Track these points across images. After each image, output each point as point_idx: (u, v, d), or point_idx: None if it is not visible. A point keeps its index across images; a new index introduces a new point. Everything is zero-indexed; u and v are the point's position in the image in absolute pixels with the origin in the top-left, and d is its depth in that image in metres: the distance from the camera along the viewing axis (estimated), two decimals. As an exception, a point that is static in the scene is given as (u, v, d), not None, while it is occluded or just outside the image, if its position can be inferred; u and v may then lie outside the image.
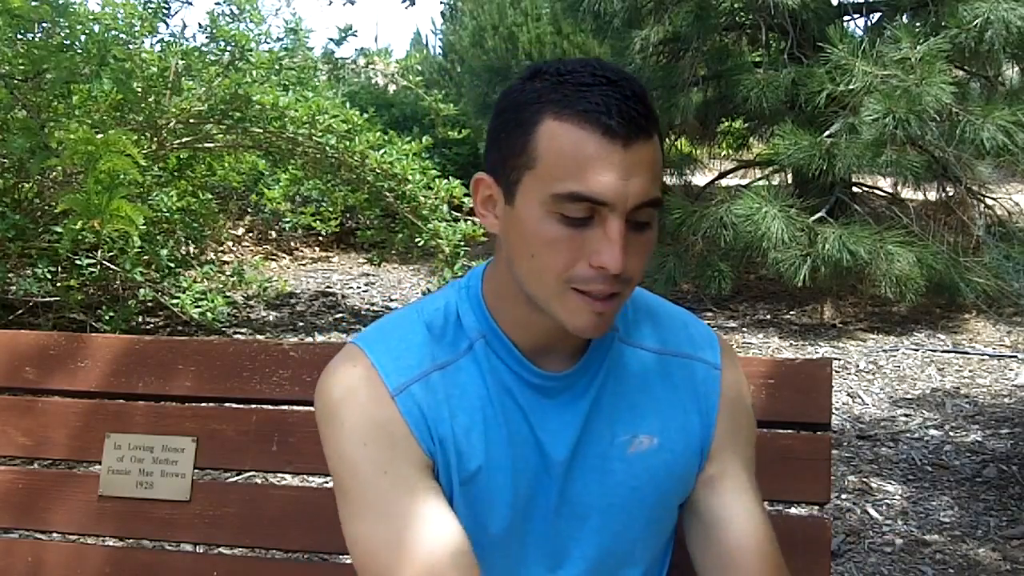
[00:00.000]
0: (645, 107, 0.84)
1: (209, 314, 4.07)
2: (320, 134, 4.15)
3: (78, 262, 3.87)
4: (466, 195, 4.26)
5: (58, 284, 3.92)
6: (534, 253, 0.86)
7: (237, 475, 2.69)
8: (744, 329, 4.83)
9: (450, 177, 4.57)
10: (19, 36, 3.24)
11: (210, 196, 4.73)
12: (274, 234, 6.46)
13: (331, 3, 9.54)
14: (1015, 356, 4.30)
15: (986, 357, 4.30)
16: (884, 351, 4.41)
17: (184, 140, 4.11)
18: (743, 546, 0.98)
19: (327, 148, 4.19)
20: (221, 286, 4.64)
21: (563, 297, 0.86)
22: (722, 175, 6.68)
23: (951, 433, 3.38)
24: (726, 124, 6.89)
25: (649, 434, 0.98)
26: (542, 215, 0.85)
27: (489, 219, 0.93)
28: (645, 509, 0.99)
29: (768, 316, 5.11)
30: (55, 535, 1.42)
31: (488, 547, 0.97)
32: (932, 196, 5.40)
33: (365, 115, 4.43)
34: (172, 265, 4.22)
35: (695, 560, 1.03)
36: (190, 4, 4.03)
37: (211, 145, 4.34)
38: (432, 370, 0.95)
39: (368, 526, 0.91)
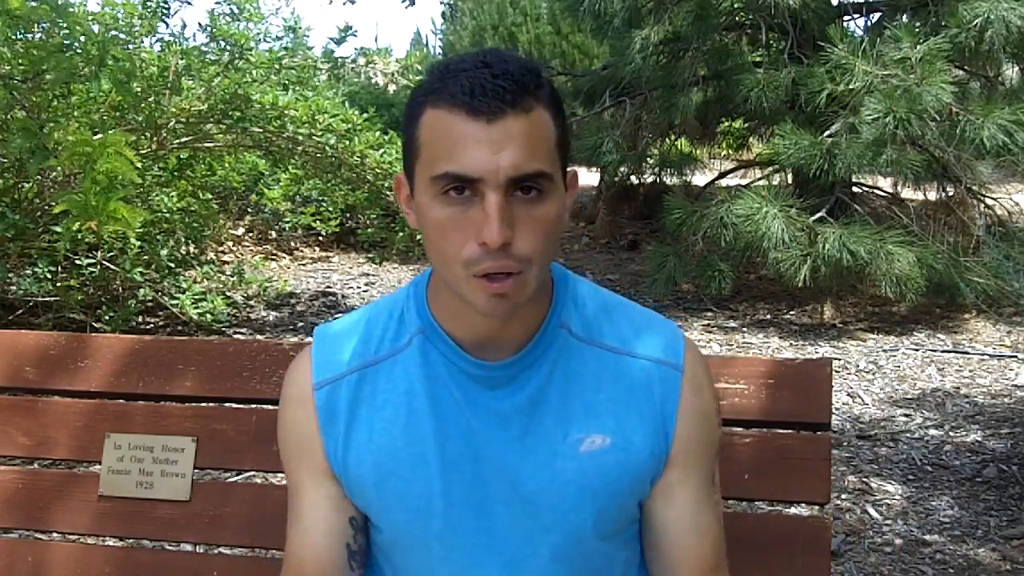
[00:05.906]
0: (514, 83, 0.85)
1: (209, 315, 4.07)
2: (320, 134, 4.15)
3: (78, 262, 3.86)
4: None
5: (58, 284, 3.91)
6: (432, 238, 0.90)
7: (237, 475, 2.69)
8: (744, 329, 4.83)
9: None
10: (19, 36, 3.23)
11: (210, 196, 4.72)
12: (274, 234, 6.45)
13: (331, 2, 9.54)
14: (1015, 356, 4.30)
15: (986, 357, 4.30)
16: (884, 351, 4.41)
17: (184, 140, 4.10)
18: (688, 560, 0.99)
19: (327, 148, 4.19)
20: (221, 286, 4.64)
21: (467, 283, 0.88)
22: (722, 175, 6.69)
23: (951, 433, 3.38)
24: (726, 124, 6.89)
25: (602, 434, 0.97)
26: (431, 200, 0.88)
27: (411, 216, 0.95)
28: (597, 508, 0.97)
29: (768, 316, 5.11)
30: (55, 535, 1.42)
31: (430, 540, 0.97)
32: (932, 196, 5.39)
33: (365, 115, 4.43)
34: (172, 265, 4.22)
35: (647, 566, 1.04)
36: (190, 4, 4.03)
37: (211, 145, 4.34)
38: (360, 367, 0.99)
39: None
